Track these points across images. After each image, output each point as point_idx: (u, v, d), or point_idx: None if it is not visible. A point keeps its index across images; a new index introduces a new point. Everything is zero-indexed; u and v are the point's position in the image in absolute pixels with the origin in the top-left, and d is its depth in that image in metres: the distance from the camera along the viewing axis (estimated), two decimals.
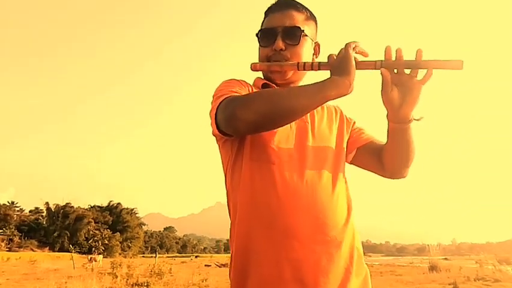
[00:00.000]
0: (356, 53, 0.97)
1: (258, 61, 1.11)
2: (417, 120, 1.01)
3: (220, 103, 0.94)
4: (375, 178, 1.17)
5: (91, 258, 19.43)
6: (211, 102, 1.00)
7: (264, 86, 1.10)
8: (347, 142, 1.15)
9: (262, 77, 1.14)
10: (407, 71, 0.96)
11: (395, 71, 0.97)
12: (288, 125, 1.01)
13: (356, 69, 0.95)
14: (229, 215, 1.05)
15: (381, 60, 0.96)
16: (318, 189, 0.98)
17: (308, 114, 1.07)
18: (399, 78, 0.97)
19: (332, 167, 1.05)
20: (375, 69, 0.97)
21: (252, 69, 1.08)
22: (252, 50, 1.16)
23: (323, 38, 1.17)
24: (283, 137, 1.02)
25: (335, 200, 1.00)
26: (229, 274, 1.01)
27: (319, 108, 1.12)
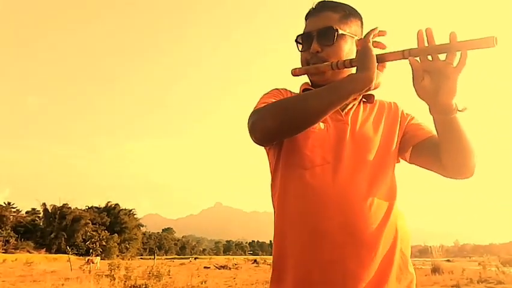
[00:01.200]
0: (373, 46, 0.94)
1: (299, 66, 1.13)
2: (461, 111, 0.94)
3: (250, 115, 1.00)
4: None
5: (88, 260, 19.43)
6: None
7: (305, 90, 1.13)
8: (402, 139, 1.10)
9: (309, 82, 1.15)
10: (442, 57, 0.91)
11: (429, 57, 0.92)
12: (325, 127, 1.04)
13: (385, 61, 0.94)
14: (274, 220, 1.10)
15: (410, 49, 0.92)
16: (350, 193, 0.97)
17: (351, 113, 1.07)
18: (434, 65, 0.91)
19: (371, 170, 1.02)
20: (403, 58, 0.93)
21: (292, 75, 1.10)
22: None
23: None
24: (318, 140, 1.03)
25: (369, 203, 0.98)
26: (271, 277, 1.06)
27: (367, 107, 1.12)
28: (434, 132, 1.04)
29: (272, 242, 1.08)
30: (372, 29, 0.96)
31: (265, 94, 1.11)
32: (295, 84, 1.18)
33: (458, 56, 0.89)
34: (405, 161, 1.12)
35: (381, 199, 1.01)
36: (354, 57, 1.05)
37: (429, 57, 0.92)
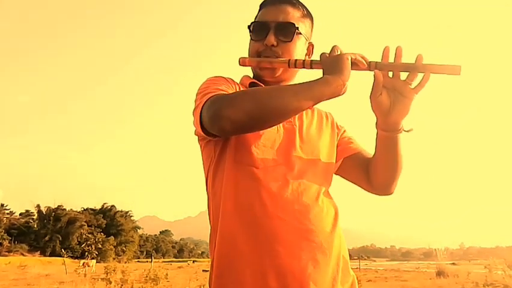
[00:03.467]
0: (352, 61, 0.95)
1: (247, 56, 1.10)
2: (407, 131, 1.00)
3: (205, 101, 0.92)
4: None
5: (83, 263, 19.45)
6: (195, 101, 0.99)
7: (252, 85, 1.08)
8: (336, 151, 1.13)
9: (252, 74, 1.13)
10: (403, 77, 0.95)
11: (390, 74, 0.96)
12: (275, 127, 1.00)
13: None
14: (209, 221, 1.04)
15: (376, 62, 0.95)
16: (303, 195, 0.97)
17: (297, 117, 1.06)
18: (393, 82, 0.96)
19: (320, 172, 1.04)
20: (369, 70, 0.96)
21: (240, 64, 1.07)
22: (243, 47, 1.15)
23: (318, 40, 1.16)
24: (269, 139, 1.00)
25: (320, 206, 0.99)
26: (209, 283, 1.00)
27: (308, 111, 1.12)
28: (362, 148, 1.15)
29: (210, 239, 1.02)
30: (354, 53, 0.97)
31: (212, 80, 1.03)
32: (213, 73, 1.10)
33: (419, 77, 0.94)
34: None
35: (330, 204, 1.03)
36: (302, 57, 1.08)
37: (390, 74, 0.96)
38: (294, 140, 1.03)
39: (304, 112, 1.08)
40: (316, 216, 0.97)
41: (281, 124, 1.01)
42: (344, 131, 1.18)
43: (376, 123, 1.02)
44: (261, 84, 1.08)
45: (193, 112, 0.97)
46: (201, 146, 1.08)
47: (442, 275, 13.06)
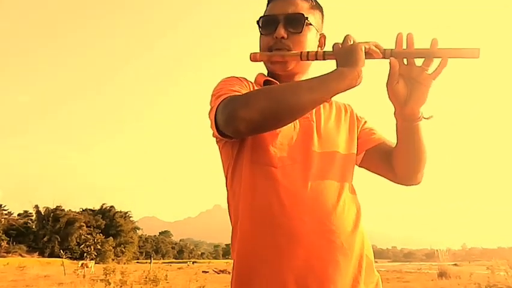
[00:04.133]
0: (366, 51, 0.93)
1: (258, 51, 1.09)
2: (427, 118, 0.98)
3: (219, 103, 0.92)
4: (381, 180, 1.14)
5: (82, 264, 19.44)
6: (210, 102, 0.99)
7: (266, 83, 1.08)
8: (356, 143, 1.11)
9: (265, 70, 1.12)
10: (418, 63, 0.92)
11: (405, 61, 0.93)
12: (292, 124, 0.99)
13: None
14: (231, 220, 1.04)
15: (391, 49, 0.93)
16: (323, 193, 0.96)
17: (314, 112, 1.04)
18: (409, 69, 0.93)
19: (339, 169, 1.02)
20: (383, 58, 0.94)
21: (251, 60, 1.06)
22: (254, 43, 1.13)
23: (330, 31, 1.14)
24: (286, 137, 1.00)
25: (342, 205, 0.98)
26: (231, 282, 1.00)
27: (326, 105, 1.10)
28: (385, 138, 1.12)
29: (232, 239, 1.02)
30: (368, 42, 0.95)
31: (226, 81, 1.03)
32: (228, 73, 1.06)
33: (435, 63, 0.91)
34: (355, 164, 1.13)
35: (351, 201, 1.02)
36: (314, 49, 1.06)
37: (405, 61, 0.93)
38: (312, 136, 1.02)
39: (321, 106, 1.07)
40: (337, 216, 0.96)
41: (297, 120, 1.00)
42: (365, 122, 1.16)
43: (394, 112, 0.99)
44: (276, 81, 1.07)
45: (208, 114, 0.98)
46: (219, 148, 1.08)
47: (444, 276, 13.03)
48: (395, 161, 1.06)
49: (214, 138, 1.05)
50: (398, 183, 1.10)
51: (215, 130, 0.95)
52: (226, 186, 1.06)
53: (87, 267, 19.32)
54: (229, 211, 1.05)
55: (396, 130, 1.01)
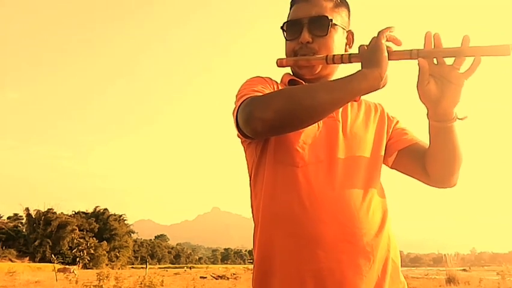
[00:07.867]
0: (386, 41, 0.93)
1: (284, 56, 1.10)
2: (461, 119, 0.97)
3: (241, 103, 0.94)
4: (385, 182, 1.13)
5: (64, 268, 19.39)
6: (235, 103, 1.01)
7: (291, 82, 1.09)
8: (387, 144, 1.12)
9: (291, 73, 1.13)
10: (449, 62, 0.92)
11: (435, 61, 0.93)
12: (316, 124, 1.00)
13: (389, 59, 0.92)
14: (253, 220, 1.06)
15: (418, 49, 0.93)
16: (346, 195, 0.97)
17: (340, 111, 1.06)
18: (439, 69, 0.93)
19: (365, 170, 1.03)
20: (410, 59, 0.94)
21: (278, 66, 1.08)
22: (277, 43, 1.15)
23: (357, 25, 1.14)
24: (309, 137, 1.01)
25: (366, 207, 0.98)
26: (252, 283, 1.03)
27: (355, 104, 1.11)
28: (418, 139, 1.11)
29: (253, 239, 1.04)
30: (388, 27, 0.95)
31: (250, 81, 1.06)
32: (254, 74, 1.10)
33: (466, 62, 0.90)
34: (387, 165, 1.13)
35: (377, 203, 1.02)
36: (342, 51, 1.08)
37: (435, 61, 0.93)
38: (337, 136, 1.03)
39: (349, 105, 1.08)
40: (361, 218, 0.96)
41: (322, 120, 1.00)
42: (397, 122, 1.16)
43: (427, 113, 0.98)
44: (301, 81, 1.09)
45: (232, 114, 1.00)
46: (244, 148, 1.11)
47: (452, 282, 13.03)
48: (429, 163, 1.06)
49: (239, 139, 1.08)
50: (432, 186, 1.09)
51: (237, 130, 0.98)
52: (250, 186, 1.09)
53: (70, 272, 19.33)
54: (251, 210, 1.08)
55: (429, 132, 1.01)
